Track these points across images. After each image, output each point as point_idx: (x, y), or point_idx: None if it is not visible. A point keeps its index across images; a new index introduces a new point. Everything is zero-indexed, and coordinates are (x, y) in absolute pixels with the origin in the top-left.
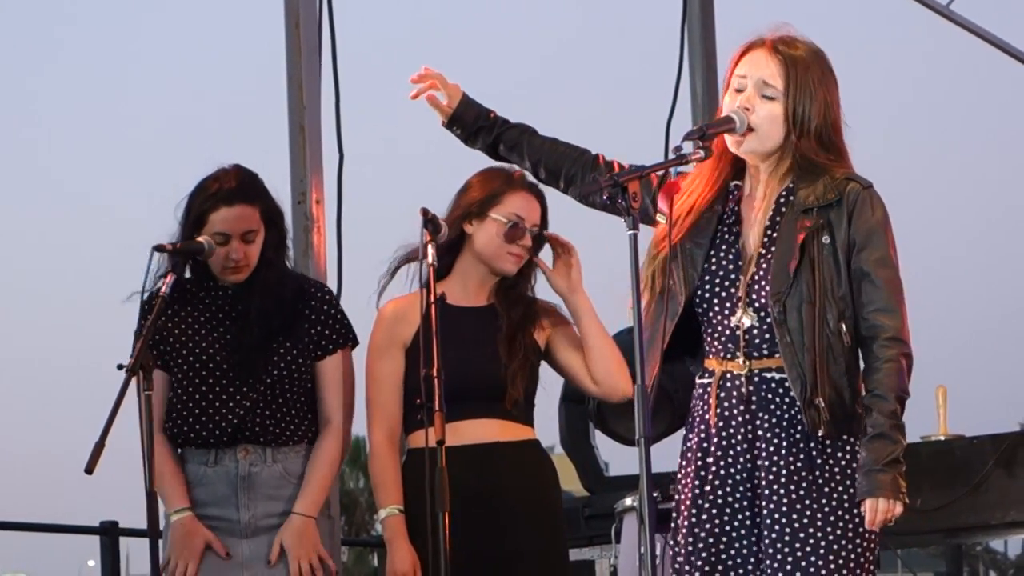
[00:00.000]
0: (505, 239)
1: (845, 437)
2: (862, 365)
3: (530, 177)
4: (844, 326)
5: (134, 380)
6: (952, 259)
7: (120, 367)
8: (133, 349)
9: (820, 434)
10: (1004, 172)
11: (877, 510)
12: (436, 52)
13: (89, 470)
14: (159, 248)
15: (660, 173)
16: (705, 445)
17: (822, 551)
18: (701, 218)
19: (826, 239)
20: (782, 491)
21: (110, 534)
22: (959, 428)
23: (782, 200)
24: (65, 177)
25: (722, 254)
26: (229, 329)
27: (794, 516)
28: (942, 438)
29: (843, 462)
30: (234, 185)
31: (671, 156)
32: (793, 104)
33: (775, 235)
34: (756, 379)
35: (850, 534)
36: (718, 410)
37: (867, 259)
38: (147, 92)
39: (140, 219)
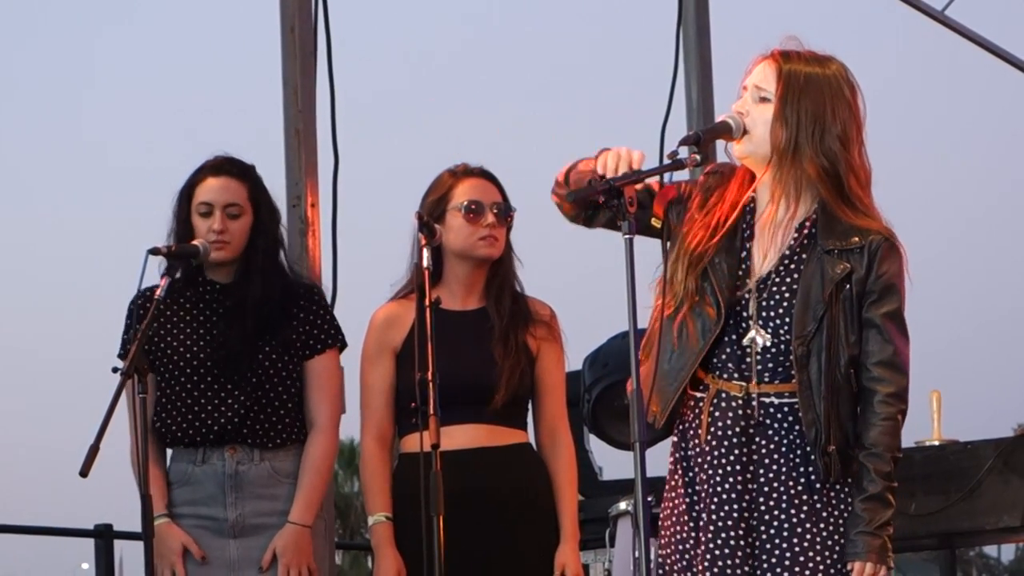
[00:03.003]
0: (468, 223)
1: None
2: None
3: (475, 164)
4: (852, 372)
5: (128, 383)
6: (948, 261)
7: (115, 370)
8: (123, 349)
9: (832, 479)
10: (1002, 176)
11: (864, 573)
12: (433, 56)
13: (84, 473)
14: (154, 251)
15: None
16: (699, 460)
17: (820, 574)
18: (729, 233)
19: (847, 286)
20: (782, 516)
21: (104, 537)
22: (954, 433)
23: (806, 232)
24: (61, 181)
25: (740, 270)
26: (216, 325)
27: (794, 540)
28: (936, 443)
29: (839, 485)
30: (223, 160)
31: (667, 161)
32: (783, 106)
33: (792, 267)
34: (755, 403)
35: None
36: (711, 428)
37: (879, 311)
38: (142, 94)
39: (133, 220)
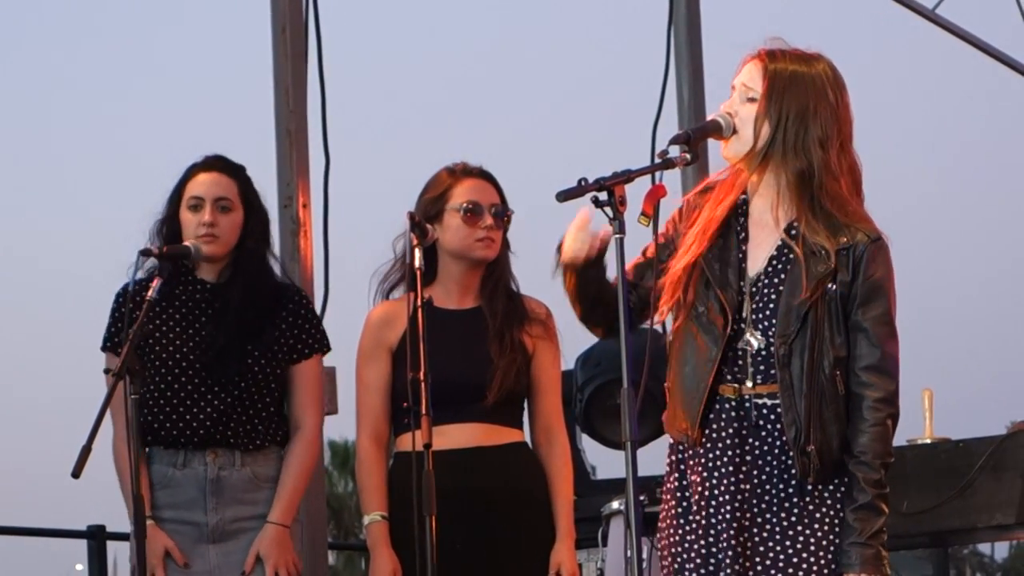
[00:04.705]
0: (466, 224)
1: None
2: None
3: (473, 164)
4: (838, 374)
5: (120, 384)
6: (938, 261)
7: (107, 371)
8: (109, 342)
9: (810, 480)
10: (992, 174)
11: None
12: (424, 57)
13: (76, 474)
14: (145, 252)
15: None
16: (693, 462)
17: (814, 575)
18: (720, 235)
19: (832, 286)
20: (774, 519)
21: (97, 538)
22: (946, 431)
23: (793, 232)
24: (55, 181)
25: (737, 273)
26: (205, 326)
27: (787, 542)
28: (928, 441)
29: (832, 486)
30: (214, 157)
31: (657, 161)
32: (767, 104)
33: (780, 267)
34: (747, 404)
35: None
36: (704, 430)
37: (866, 315)
38: (133, 94)
39: (124, 222)
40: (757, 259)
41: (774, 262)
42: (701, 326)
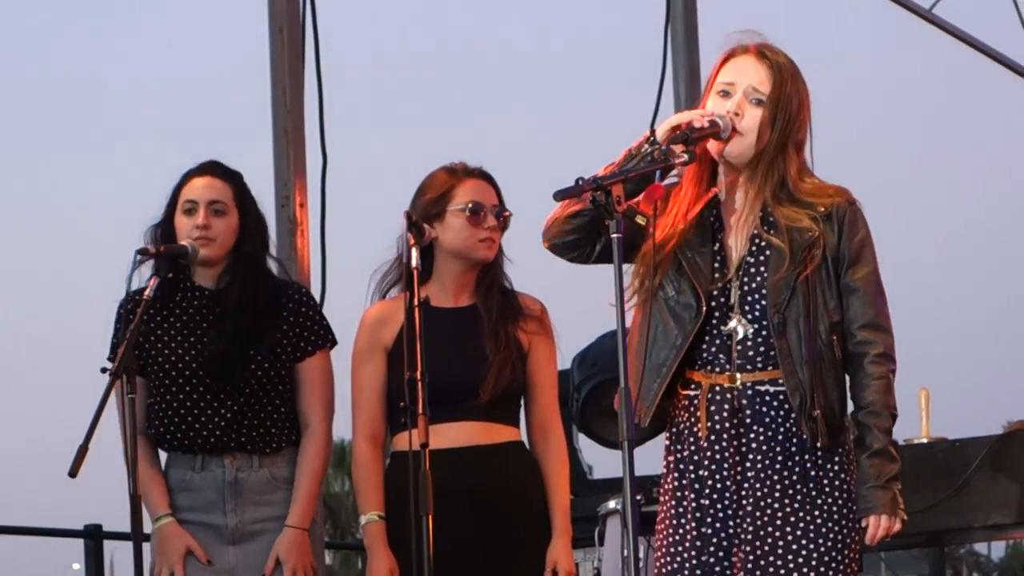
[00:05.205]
0: (469, 224)
1: (835, 448)
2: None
3: (473, 164)
4: (835, 338)
5: (117, 383)
6: (937, 260)
7: (103, 370)
8: (113, 352)
9: (819, 445)
10: (987, 174)
11: (879, 527)
12: (422, 56)
13: (73, 473)
14: (142, 252)
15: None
16: (697, 458)
17: (814, 562)
18: (695, 225)
19: (818, 252)
20: (776, 504)
21: (94, 537)
22: (942, 431)
23: (769, 209)
24: (50, 182)
25: (715, 262)
26: (206, 332)
27: (788, 528)
28: (925, 441)
29: (831, 473)
30: (209, 162)
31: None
32: (779, 110)
33: (763, 243)
34: (750, 392)
35: (839, 545)
36: (708, 423)
37: (856, 275)
38: (130, 94)
39: (124, 222)
40: (738, 245)
41: (757, 240)
42: (670, 311)
